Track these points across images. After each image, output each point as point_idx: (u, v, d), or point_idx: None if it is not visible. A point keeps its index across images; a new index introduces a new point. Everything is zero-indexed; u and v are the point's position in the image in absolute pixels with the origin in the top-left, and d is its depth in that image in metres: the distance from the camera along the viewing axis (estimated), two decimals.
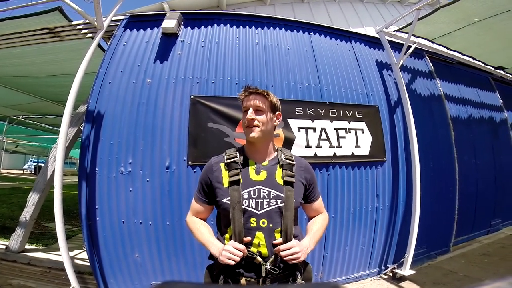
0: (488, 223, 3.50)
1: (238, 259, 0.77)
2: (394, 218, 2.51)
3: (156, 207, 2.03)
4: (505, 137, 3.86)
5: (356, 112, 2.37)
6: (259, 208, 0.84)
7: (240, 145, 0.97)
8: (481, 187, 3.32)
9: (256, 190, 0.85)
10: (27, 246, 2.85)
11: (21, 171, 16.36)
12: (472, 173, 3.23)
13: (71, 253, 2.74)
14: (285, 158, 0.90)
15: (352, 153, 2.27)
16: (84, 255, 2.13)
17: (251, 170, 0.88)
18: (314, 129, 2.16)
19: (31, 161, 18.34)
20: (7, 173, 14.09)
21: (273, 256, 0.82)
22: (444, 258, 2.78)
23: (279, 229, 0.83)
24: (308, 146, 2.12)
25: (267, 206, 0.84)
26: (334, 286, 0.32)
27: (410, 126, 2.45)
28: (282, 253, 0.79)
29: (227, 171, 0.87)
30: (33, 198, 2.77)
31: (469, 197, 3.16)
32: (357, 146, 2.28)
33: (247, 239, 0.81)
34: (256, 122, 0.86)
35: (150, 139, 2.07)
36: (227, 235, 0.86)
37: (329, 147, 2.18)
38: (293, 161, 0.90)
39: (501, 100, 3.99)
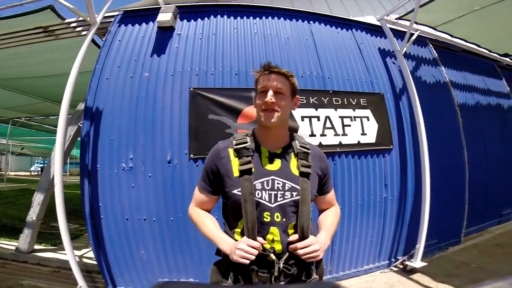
0: (499, 213, 3.41)
1: (253, 257, 0.69)
2: (403, 208, 2.44)
3: (159, 203, 1.99)
4: None
5: (361, 99, 2.31)
6: (273, 201, 0.76)
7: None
8: (491, 176, 3.24)
9: (270, 181, 0.76)
10: (36, 246, 2.85)
11: (29, 173, 16.53)
12: (482, 161, 3.14)
13: (80, 252, 2.75)
14: (300, 146, 0.81)
15: (358, 141, 2.20)
16: (92, 254, 2.11)
17: (264, 158, 0.79)
18: (318, 118, 2.10)
19: (37, 162, 18.58)
20: (15, 175, 14.25)
21: (287, 253, 0.75)
22: (455, 249, 2.71)
23: (293, 223, 0.77)
24: (312, 135, 2.06)
25: (281, 199, 0.76)
26: (334, 286, 0.27)
27: (417, 113, 2.38)
28: (300, 251, 0.72)
29: (237, 158, 0.78)
30: (38, 198, 2.76)
31: (479, 186, 3.08)
32: (363, 134, 2.22)
33: (261, 240, 0.73)
34: (276, 107, 0.76)
35: (150, 134, 2.03)
36: (237, 229, 0.79)
37: (334, 135, 2.12)
38: (309, 149, 0.82)
39: (507, 87, 3.89)
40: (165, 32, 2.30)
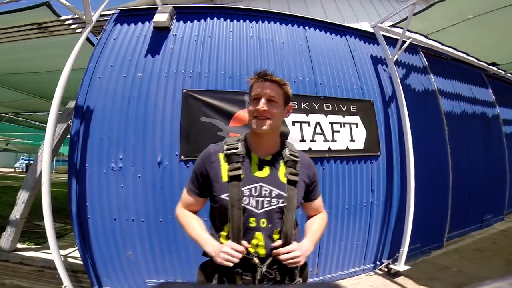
0: (480, 218, 3.55)
1: (236, 261, 0.72)
2: (388, 213, 2.51)
3: (148, 204, 1.99)
4: (497, 132, 3.91)
5: (351, 106, 2.36)
6: (259, 207, 0.78)
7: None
8: (473, 182, 3.36)
9: (258, 187, 0.78)
10: (19, 245, 2.79)
11: (13, 169, 16.00)
12: (465, 168, 3.26)
13: (64, 252, 2.70)
14: (289, 154, 0.83)
15: (347, 147, 2.26)
16: (78, 253, 2.09)
17: (254, 165, 0.81)
18: (308, 123, 2.14)
19: (22, 159, 17.97)
20: None
21: (270, 258, 0.77)
22: (438, 253, 2.81)
23: (278, 229, 0.79)
24: (302, 140, 2.10)
25: (268, 205, 0.78)
26: (335, 286, 0.30)
27: (404, 120, 2.45)
28: (282, 257, 0.75)
29: (227, 163, 0.80)
30: (22, 196, 2.71)
31: (462, 192, 3.20)
32: (352, 140, 2.27)
33: (246, 244, 0.76)
34: (268, 115, 0.78)
35: (141, 134, 2.02)
36: (223, 233, 0.81)
37: (324, 141, 2.17)
38: (298, 157, 0.84)
39: (493, 96, 4.03)
40: (161, 33, 2.29)
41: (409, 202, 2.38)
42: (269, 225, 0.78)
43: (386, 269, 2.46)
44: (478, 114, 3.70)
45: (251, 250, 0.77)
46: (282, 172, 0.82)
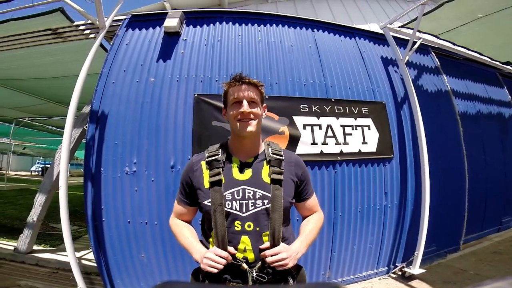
0: (498, 221, 3.42)
1: (220, 267, 0.71)
2: (402, 216, 2.46)
3: (161, 207, 2.01)
4: None
5: (363, 108, 2.33)
6: (244, 211, 0.77)
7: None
8: (490, 184, 3.25)
9: (240, 190, 0.78)
10: (35, 247, 2.86)
11: (29, 173, 16.58)
12: (482, 170, 3.16)
13: (78, 254, 2.75)
14: (272, 153, 0.82)
15: (359, 150, 2.23)
16: (91, 255, 2.13)
17: (235, 168, 0.80)
18: (320, 126, 2.13)
19: (38, 162, 18.58)
20: (15, 175, 14.29)
21: (260, 262, 0.76)
22: (454, 256, 2.73)
23: (267, 232, 0.77)
24: (314, 143, 2.08)
25: (253, 208, 0.77)
26: (335, 286, 0.29)
27: (418, 122, 2.40)
28: (269, 259, 0.73)
29: (208, 170, 0.80)
30: (40, 199, 2.78)
31: (479, 194, 3.10)
32: (364, 143, 2.24)
33: (231, 250, 0.75)
34: (252, 116, 0.78)
35: (154, 138, 2.06)
36: (211, 239, 0.81)
37: (336, 144, 2.15)
38: (282, 156, 0.82)
39: (509, 96, 3.91)
40: (172, 38, 2.33)
41: (424, 204, 2.32)
42: (257, 228, 0.77)
43: (400, 273, 2.40)
44: (494, 114, 3.59)
45: (239, 255, 0.76)
46: (265, 172, 0.80)
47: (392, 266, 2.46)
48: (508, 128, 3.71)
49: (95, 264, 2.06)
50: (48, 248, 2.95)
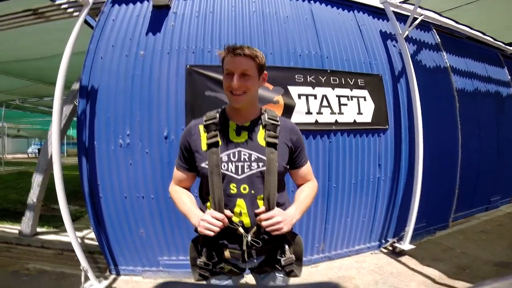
0: (487, 200, 3.49)
1: (217, 229, 0.71)
2: (395, 189, 2.49)
3: (157, 180, 2.02)
4: (510, 112, 3.77)
5: (359, 80, 2.29)
6: (240, 173, 0.77)
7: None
8: (483, 162, 3.29)
9: (236, 152, 0.78)
10: (39, 229, 2.87)
11: (26, 155, 16.23)
12: (475, 147, 3.18)
13: (81, 234, 2.77)
14: (268, 119, 0.82)
15: (354, 120, 2.22)
16: (93, 235, 2.14)
17: (231, 131, 0.81)
18: (315, 96, 2.09)
19: (34, 144, 18.35)
20: (13, 158, 13.96)
21: (255, 227, 0.76)
22: (443, 233, 2.80)
23: (262, 195, 0.77)
24: (309, 112, 2.06)
25: (248, 170, 0.77)
26: (335, 286, 0.30)
27: (414, 95, 2.38)
28: (264, 223, 0.73)
29: (206, 133, 0.81)
30: (37, 179, 2.77)
31: (471, 172, 3.13)
32: (359, 113, 2.22)
33: (228, 213, 0.75)
34: (242, 90, 0.76)
35: (146, 110, 2.03)
36: (208, 204, 0.81)
37: (331, 113, 2.13)
38: (277, 121, 0.83)
39: (509, 76, 3.87)
40: (161, 11, 2.23)
41: (417, 178, 2.34)
42: (252, 191, 0.77)
43: (391, 248, 2.46)
44: (491, 92, 3.57)
45: (235, 219, 0.77)
46: (261, 135, 0.81)
47: (383, 241, 2.52)
48: (504, 107, 3.70)
49: (97, 243, 2.08)
50: (52, 230, 2.97)
